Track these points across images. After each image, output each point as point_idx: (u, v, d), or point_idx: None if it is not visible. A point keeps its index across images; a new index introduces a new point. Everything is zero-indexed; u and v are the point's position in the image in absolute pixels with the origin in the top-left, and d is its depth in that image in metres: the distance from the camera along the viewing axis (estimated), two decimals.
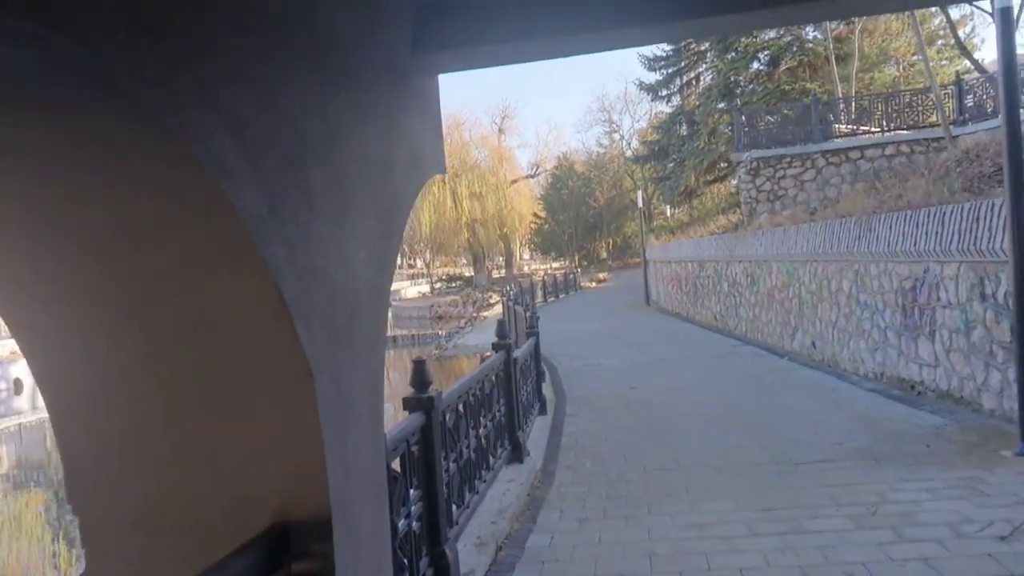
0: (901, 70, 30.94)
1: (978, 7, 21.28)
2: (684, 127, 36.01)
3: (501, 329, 6.35)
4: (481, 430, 5.15)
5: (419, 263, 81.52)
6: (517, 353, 6.70)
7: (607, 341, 16.08)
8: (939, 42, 30.72)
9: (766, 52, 31.59)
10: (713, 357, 12.58)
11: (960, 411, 6.95)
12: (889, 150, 15.87)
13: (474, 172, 48.56)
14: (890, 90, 22.43)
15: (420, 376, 3.85)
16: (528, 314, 12.50)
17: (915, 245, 7.66)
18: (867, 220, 8.90)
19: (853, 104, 18.41)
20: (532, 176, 60.44)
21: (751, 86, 31.99)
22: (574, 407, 9.06)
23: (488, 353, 6.38)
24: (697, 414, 8.01)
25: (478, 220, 47.44)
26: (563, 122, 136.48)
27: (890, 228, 8.27)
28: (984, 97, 14.64)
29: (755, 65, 32.61)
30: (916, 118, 16.44)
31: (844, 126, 17.70)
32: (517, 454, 6.14)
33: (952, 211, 7.00)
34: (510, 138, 58.63)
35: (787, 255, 11.77)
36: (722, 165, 34.82)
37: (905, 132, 16.24)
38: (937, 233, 7.25)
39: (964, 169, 10.69)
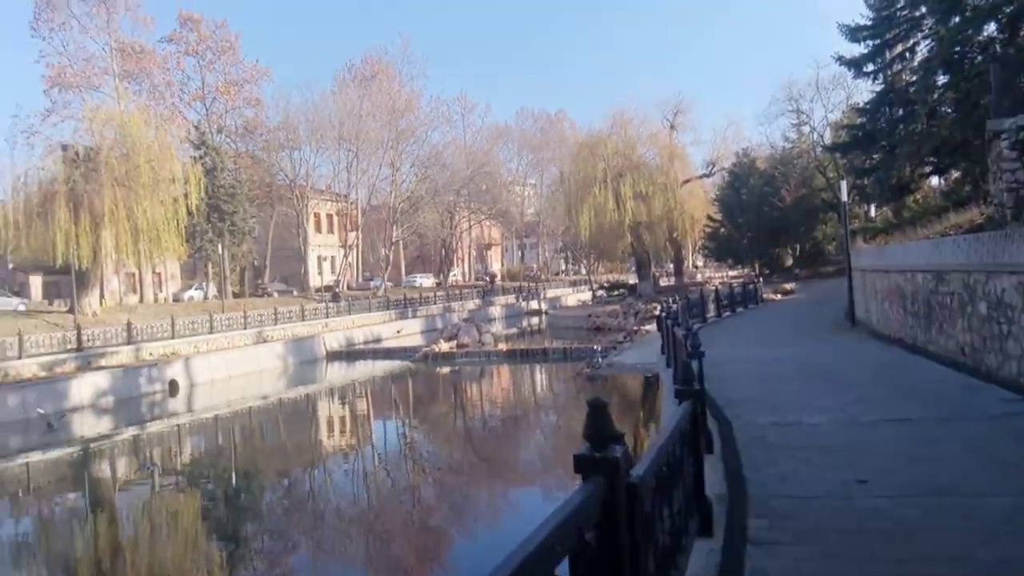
0: None
1: None
2: (896, 109, 30.01)
3: (595, 426, 2.68)
4: None
5: (584, 269, 78.16)
6: (637, 474, 3.01)
7: (804, 379, 11.76)
8: None
9: (1005, 11, 25.24)
10: (983, 419, 8.11)
11: None
12: None
13: (640, 171, 44.53)
14: None
15: None
16: (689, 346, 8.67)
17: None
18: None
19: None
20: (707, 175, 55.19)
21: (980, 57, 25.63)
22: (763, 522, 5.19)
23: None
24: None
25: (643, 223, 43.30)
26: (743, 115, 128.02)
27: None
28: None
29: (989, 29, 26.24)
30: None
31: None
32: None
33: None
34: (683, 135, 53.70)
35: None
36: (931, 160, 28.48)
37: None
38: None
39: None
